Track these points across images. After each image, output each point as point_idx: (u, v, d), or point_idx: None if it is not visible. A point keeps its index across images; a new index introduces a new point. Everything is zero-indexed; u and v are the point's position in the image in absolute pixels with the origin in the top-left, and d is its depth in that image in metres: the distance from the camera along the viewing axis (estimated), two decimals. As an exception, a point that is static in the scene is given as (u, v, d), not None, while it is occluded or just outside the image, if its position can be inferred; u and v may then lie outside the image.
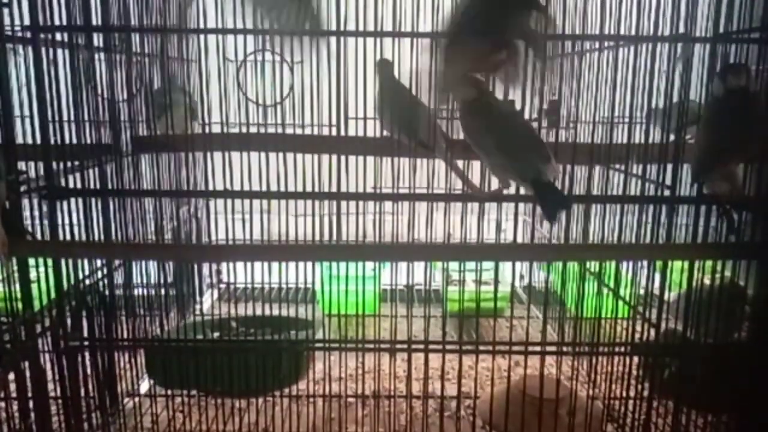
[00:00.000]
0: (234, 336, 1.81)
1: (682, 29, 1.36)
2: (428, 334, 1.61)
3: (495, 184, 1.51)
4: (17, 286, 1.37)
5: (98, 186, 1.50)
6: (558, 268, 2.10)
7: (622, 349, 1.60)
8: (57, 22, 1.34)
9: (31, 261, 1.40)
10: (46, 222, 1.40)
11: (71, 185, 1.45)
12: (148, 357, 1.71)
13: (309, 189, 1.57)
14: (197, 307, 2.21)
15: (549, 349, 1.59)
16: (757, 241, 1.28)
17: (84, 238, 1.46)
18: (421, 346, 1.59)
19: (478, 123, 1.38)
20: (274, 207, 1.62)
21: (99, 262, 1.55)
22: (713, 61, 1.34)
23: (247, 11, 1.45)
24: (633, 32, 1.43)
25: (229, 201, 1.63)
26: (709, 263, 1.37)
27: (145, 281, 1.75)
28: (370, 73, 1.53)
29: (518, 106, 1.49)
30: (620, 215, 1.51)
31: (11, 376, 1.34)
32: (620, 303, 1.62)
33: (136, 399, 1.71)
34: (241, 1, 1.48)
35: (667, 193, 1.44)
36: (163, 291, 1.82)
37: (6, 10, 1.26)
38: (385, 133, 1.60)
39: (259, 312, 1.77)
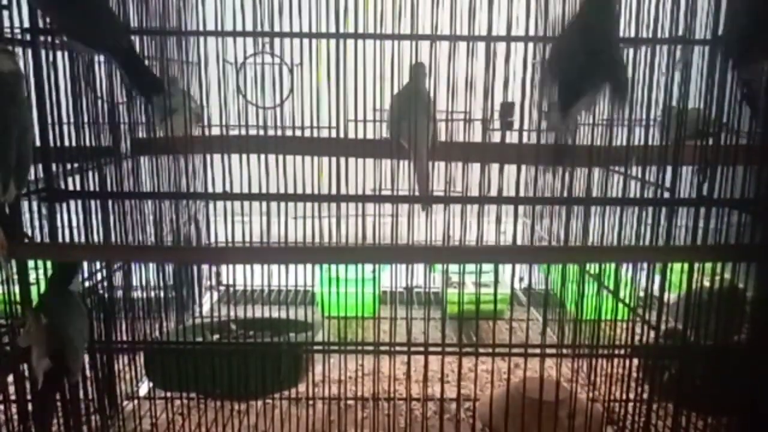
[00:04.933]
0: (233, 338, 1.81)
1: (681, 32, 1.37)
2: (428, 336, 1.61)
3: (494, 188, 1.52)
4: (16, 288, 1.37)
5: (98, 188, 1.50)
6: (558, 269, 2.10)
7: (622, 351, 1.60)
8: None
9: (31, 263, 1.40)
10: (45, 224, 1.40)
11: (71, 187, 1.45)
12: (148, 359, 1.70)
13: (308, 191, 1.57)
14: (196, 309, 2.21)
15: (549, 351, 1.59)
16: (756, 243, 1.28)
17: (83, 240, 1.46)
18: (421, 349, 1.59)
19: None
20: (273, 209, 1.62)
21: (98, 265, 1.55)
22: (712, 64, 1.34)
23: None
24: (632, 34, 1.43)
25: (228, 203, 1.63)
26: (708, 265, 1.37)
27: (144, 283, 1.75)
28: (369, 75, 1.53)
29: (518, 108, 1.50)
30: (620, 217, 1.51)
31: (10, 378, 1.34)
32: (620, 305, 1.62)
33: (136, 401, 1.71)
34: (240, 3, 1.49)
35: (666, 195, 1.44)
36: (162, 293, 1.82)
37: (6, 13, 1.26)
38: (385, 135, 1.60)
39: (258, 314, 1.77)
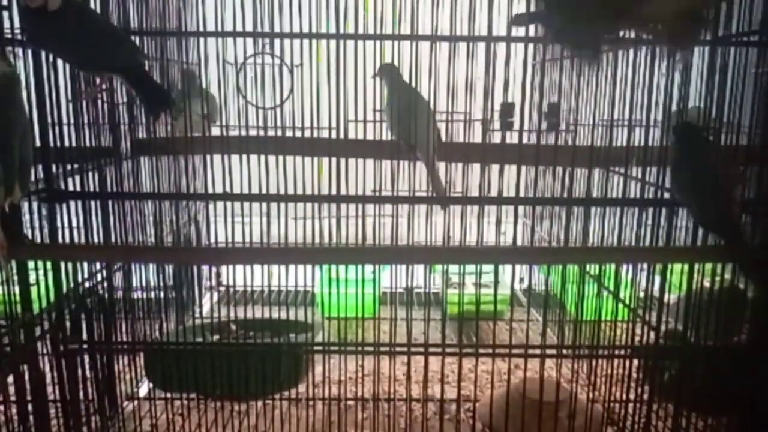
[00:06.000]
0: (233, 339, 1.81)
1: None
2: (428, 336, 1.61)
3: (494, 189, 1.52)
4: (17, 288, 1.37)
5: (98, 189, 1.50)
6: (558, 270, 2.10)
7: (622, 351, 1.59)
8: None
9: (31, 264, 1.40)
10: (45, 225, 1.40)
11: (71, 188, 1.45)
12: (148, 360, 1.70)
13: (308, 192, 1.57)
14: (197, 310, 2.21)
15: (549, 351, 1.59)
16: (756, 244, 1.28)
17: (83, 240, 1.46)
18: (421, 349, 1.58)
19: None
20: (273, 210, 1.62)
21: (98, 265, 1.55)
22: (713, 64, 1.34)
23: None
24: (632, 35, 1.43)
25: (228, 204, 1.63)
26: (708, 266, 1.37)
27: (144, 284, 1.75)
28: (370, 76, 1.53)
29: (518, 109, 1.49)
30: (620, 218, 1.51)
31: (10, 379, 1.34)
32: (620, 305, 1.62)
33: (136, 402, 1.71)
34: (240, 4, 1.49)
35: (666, 195, 1.44)
36: (162, 294, 1.82)
37: (6, 13, 1.26)
38: (387, 135, 1.60)
39: (258, 315, 1.77)
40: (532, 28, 1.46)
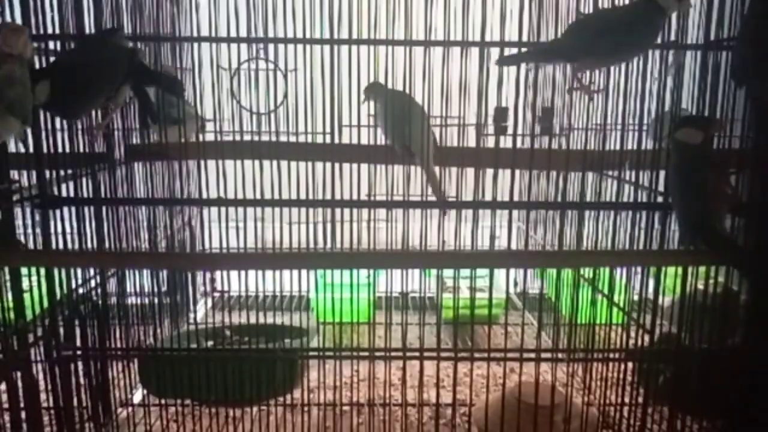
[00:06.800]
0: (228, 345, 1.80)
1: (673, 37, 1.37)
2: (423, 341, 1.61)
3: (489, 193, 1.52)
4: (9, 295, 1.36)
5: (91, 195, 1.50)
6: (552, 274, 2.10)
7: (617, 355, 1.60)
8: (50, 31, 1.33)
9: (24, 270, 1.40)
10: (38, 231, 1.39)
11: (64, 194, 1.44)
12: (142, 366, 1.69)
13: (303, 196, 1.57)
14: (191, 315, 2.20)
15: (544, 355, 1.59)
16: (749, 247, 1.28)
17: (77, 246, 1.45)
18: (416, 354, 1.58)
19: None
20: (267, 215, 1.62)
21: (92, 271, 1.54)
22: (704, 68, 1.35)
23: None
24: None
25: (222, 209, 1.63)
26: (702, 268, 1.38)
27: (138, 290, 1.74)
28: (364, 81, 1.53)
29: (511, 114, 1.50)
30: (614, 221, 1.52)
31: (3, 386, 1.33)
32: (614, 309, 1.62)
33: (130, 409, 1.70)
34: (234, 9, 1.49)
35: (660, 199, 1.44)
36: (156, 300, 1.82)
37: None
38: (381, 140, 1.61)
39: (253, 320, 1.76)
40: (525, 31, 1.47)
